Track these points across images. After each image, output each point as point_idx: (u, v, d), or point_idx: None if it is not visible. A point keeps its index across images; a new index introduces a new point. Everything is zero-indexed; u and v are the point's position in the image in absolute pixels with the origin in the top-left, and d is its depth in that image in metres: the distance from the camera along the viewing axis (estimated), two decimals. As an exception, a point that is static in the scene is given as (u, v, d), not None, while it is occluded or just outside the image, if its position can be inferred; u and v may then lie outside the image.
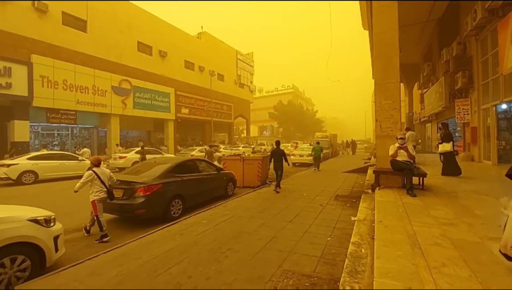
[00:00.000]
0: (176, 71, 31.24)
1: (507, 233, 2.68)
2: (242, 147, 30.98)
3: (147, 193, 6.27)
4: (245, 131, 51.79)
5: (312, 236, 5.01)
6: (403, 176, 6.92)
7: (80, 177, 5.91)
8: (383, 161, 7.55)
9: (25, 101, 18.50)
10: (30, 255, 3.76)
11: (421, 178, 6.83)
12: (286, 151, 10.44)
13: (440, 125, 9.59)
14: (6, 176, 12.00)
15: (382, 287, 2.48)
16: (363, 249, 3.76)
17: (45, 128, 22.04)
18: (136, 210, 6.14)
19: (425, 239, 3.50)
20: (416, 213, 4.72)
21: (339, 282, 3.03)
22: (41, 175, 12.93)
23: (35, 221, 3.89)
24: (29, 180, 12.53)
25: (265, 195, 9.01)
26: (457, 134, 16.62)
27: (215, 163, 12.23)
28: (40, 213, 4.15)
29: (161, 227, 5.69)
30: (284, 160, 9.97)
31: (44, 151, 15.89)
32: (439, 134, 9.66)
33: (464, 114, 13.41)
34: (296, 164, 20.14)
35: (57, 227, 4.24)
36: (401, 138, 6.95)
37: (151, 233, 5.34)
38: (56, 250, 4.08)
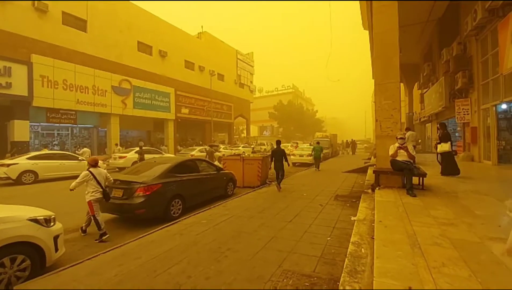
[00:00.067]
0: (176, 71, 31.24)
1: None
2: (242, 147, 31.00)
3: (147, 193, 6.27)
4: (245, 131, 51.78)
5: (312, 236, 5.01)
6: (403, 176, 6.92)
7: (80, 177, 5.91)
8: (383, 161, 7.55)
9: (25, 101, 18.49)
10: (30, 255, 3.76)
11: (421, 178, 6.83)
12: (286, 151, 10.44)
13: (438, 125, 9.60)
14: (6, 175, 12.00)
15: (382, 286, 2.48)
16: (363, 249, 3.76)
17: (45, 128, 22.04)
18: (136, 210, 6.14)
19: (425, 239, 3.50)
20: (416, 213, 4.72)
21: (339, 282, 3.03)
22: (41, 175, 12.94)
23: (35, 220, 3.90)
24: (29, 180, 12.53)
25: (265, 195, 9.01)
26: (457, 134, 16.63)
27: (216, 162, 12.24)
28: (40, 212, 4.15)
29: (161, 227, 5.69)
30: (284, 160, 10.01)
31: (45, 151, 15.91)
32: (438, 134, 9.67)
33: (464, 114, 13.41)
34: (296, 164, 20.14)
35: (57, 226, 4.24)
36: (401, 138, 6.95)
37: (151, 233, 5.34)
38: (56, 249, 4.08)
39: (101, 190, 5.65)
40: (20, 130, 18.66)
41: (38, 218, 3.96)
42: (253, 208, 7.23)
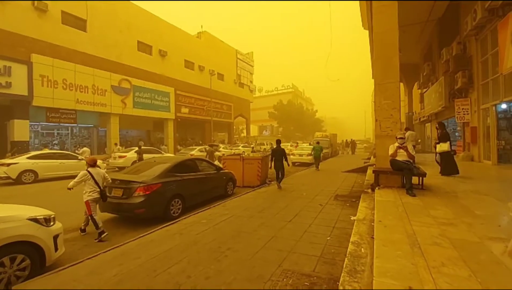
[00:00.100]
0: (176, 70, 31.22)
1: None
2: (242, 146, 30.99)
3: (147, 193, 6.27)
4: (245, 131, 51.80)
5: (312, 235, 5.01)
6: (403, 175, 6.92)
7: (79, 176, 5.92)
8: (382, 160, 7.55)
9: (25, 101, 18.48)
10: (30, 254, 3.76)
11: (420, 178, 6.82)
12: (286, 151, 10.49)
13: (437, 125, 9.60)
14: (6, 175, 12.00)
15: (381, 286, 2.48)
16: (362, 249, 3.76)
17: (45, 128, 22.03)
18: (136, 209, 6.14)
19: (424, 239, 3.50)
20: (415, 213, 4.72)
21: (339, 282, 3.03)
22: (40, 174, 12.93)
23: (35, 220, 3.90)
24: (29, 179, 12.52)
25: (265, 195, 9.01)
26: (456, 134, 16.63)
27: (216, 162, 12.24)
28: (40, 212, 4.15)
29: (161, 227, 5.69)
30: (284, 160, 10.08)
31: (46, 150, 15.93)
32: (437, 134, 9.67)
33: (464, 114, 13.41)
34: (296, 164, 20.13)
35: (57, 226, 4.24)
36: (400, 138, 6.95)
37: (151, 232, 5.34)
38: (56, 249, 4.09)
39: (99, 190, 5.67)
40: (20, 129, 18.65)
41: (38, 217, 3.96)
42: (253, 207, 7.23)
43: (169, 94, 29.85)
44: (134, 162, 15.55)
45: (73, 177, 5.69)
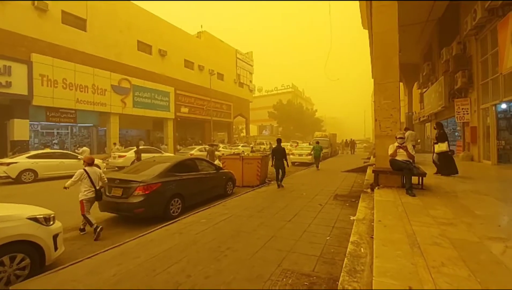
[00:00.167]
0: (175, 70, 31.21)
1: None
2: (242, 146, 30.98)
3: (146, 192, 6.27)
4: (244, 130, 51.78)
5: (311, 235, 5.01)
6: (403, 175, 6.92)
7: (79, 176, 5.93)
8: (382, 160, 7.55)
9: (24, 100, 18.47)
10: (30, 254, 3.76)
11: (420, 178, 6.82)
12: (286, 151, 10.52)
13: (434, 125, 9.61)
14: (5, 174, 12.00)
15: (381, 286, 2.48)
16: (362, 249, 3.76)
17: (44, 127, 22.01)
18: (135, 209, 6.13)
19: (424, 239, 3.50)
20: (415, 213, 4.72)
21: (338, 281, 3.03)
22: (40, 173, 12.94)
23: (34, 219, 3.90)
24: (29, 179, 12.53)
25: (264, 195, 9.01)
26: (456, 133, 16.64)
27: (216, 161, 12.24)
28: (40, 211, 4.15)
29: (160, 226, 5.69)
30: (284, 160, 10.12)
31: (48, 150, 15.95)
32: (435, 134, 9.69)
33: (464, 114, 13.41)
34: (296, 163, 20.13)
35: (57, 225, 4.24)
36: (400, 138, 6.95)
37: (150, 232, 5.34)
38: (56, 248, 4.09)
39: (94, 189, 5.71)
40: (20, 129, 18.63)
41: (37, 217, 3.96)
42: (253, 207, 7.24)
43: (168, 94, 29.83)
44: (134, 161, 15.54)
45: (73, 176, 5.71)
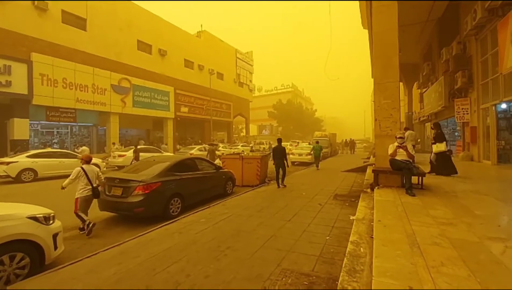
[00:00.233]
0: (175, 69, 31.20)
1: None
2: (241, 146, 30.98)
3: (146, 192, 6.27)
4: (244, 130, 51.79)
5: (311, 235, 5.01)
6: (402, 175, 6.92)
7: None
8: (382, 160, 7.55)
9: (25, 99, 18.47)
10: (29, 253, 3.76)
11: (420, 178, 6.82)
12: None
13: (432, 126, 9.62)
14: (5, 173, 12.00)
15: (380, 286, 2.48)
16: (362, 248, 3.76)
17: (44, 126, 22.00)
18: (135, 208, 6.14)
19: (424, 239, 3.49)
20: (415, 213, 4.72)
21: (338, 281, 3.03)
22: (40, 173, 12.95)
23: (34, 218, 3.90)
24: (29, 178, 12.54)
25: (264, 194, 9.01)
26: (456, 133, 16.64)
27: (217, 161, 12.25)
28: (40, 210, 4.15)
29: (160, 226, 5.69)
30: (284, 160, 10.16)
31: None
32: (433, 134, 9.71)
33: (464, 114, 13.41)
34: (295, 163, 20.13)
35: (56, 224, 4.24)
36: (400, 138, 6.95)
37: (150, 231, 5.34)
38: (55, 247, 4.09)
39: (91, 187, 5.75)
40: (20, 128, 18.63)
41: (37, 216, 3.96)
42: (252, 207, 7.24)
43: (168, 93, 29.83)
44: (133, 161, 15.55)
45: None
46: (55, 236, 4.10)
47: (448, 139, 17.39)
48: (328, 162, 21.31)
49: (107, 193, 6.56)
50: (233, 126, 47.68)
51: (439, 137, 8.90)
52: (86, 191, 5.71)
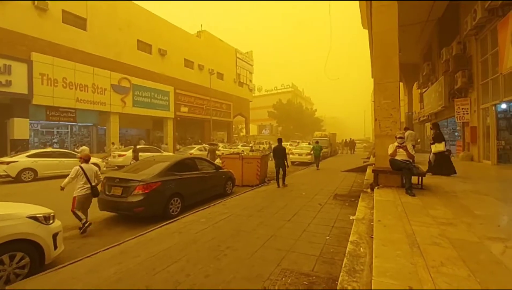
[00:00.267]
0: (175, 69, 31.19)
1: None
2: (241, 145, 30.97)
3: (146, 191, 6.28)
4: (244, 130, 51.78)
5: (311, 235, 5.01)
6: (402, 175, 6.92)
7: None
8: (382, 160, 7.55)
9: (24, 99, 18.45)
10: (29, 252, 3.76)
11: (420, 178, 6.82)
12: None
13: (431, 126, 9.64)
14: (5, 173, 12.01)
15: (380, 286, 2.48)
16: (361, 248, 3.76)
17: (44, 126, 21.98)
18: (135, 208, 6.14)
19: (424, 239, 3.50)
20: (415, 213, 4.72)
21: (338, 281, 3.03)
22: (40, 172, 12.95)
23: (34, 218, 3.90)
24: (29, 178, 12.54)
25: (264, 194, 9.01)
26: (456, 133, 16.64)
27: (218, 160, 12.25)
28: (39, 210, 4.15)
29: (160, 225, 5.69)
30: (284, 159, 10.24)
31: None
32: (431, 135, 9.75)
33: (464, 114, 13.41)
34: (295, 163, 20.13)
35: (56, 224, 4.24)
36: (400, 137, 6.95)
37: (150, 231, 5.34)
38: (55, 247, 4.09)
39: (89, 186, 5.79)
40: (20, 128, 18.62)
41: (37, 215, 3.96)
42: (252, 207, 7.24)
43: (168, 93, 29.82)
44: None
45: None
46: (55, 235, 4.10)
47: (448, 139, 17.47)
48: (328, 162, 21.32)
49: (107, 192, 6.57)
50: (233, 126, 47.67)
51: (438, 137, 8.93)
52: (84, 190, 5.75)
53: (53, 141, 22.53)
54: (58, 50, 20.31)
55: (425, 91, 22.02)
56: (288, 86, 78.94)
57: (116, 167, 16.60)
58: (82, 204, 5.74)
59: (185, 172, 7.67)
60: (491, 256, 3.00)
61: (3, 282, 3.49)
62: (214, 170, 9.06)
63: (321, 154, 17.12)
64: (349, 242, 4.03)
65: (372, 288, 2.48)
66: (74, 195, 5.70)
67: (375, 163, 8.44)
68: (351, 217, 5.79)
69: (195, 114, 34.00)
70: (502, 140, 11.20)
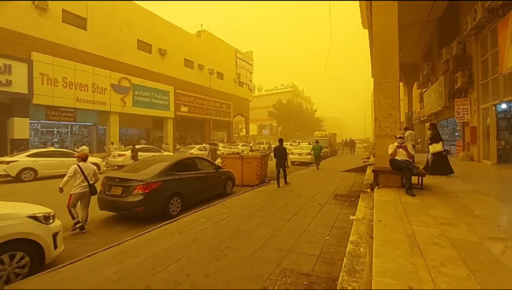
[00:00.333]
0: (175, 69, 31.19)
1: None
2: (241, 145, 30.97)
3: (146, 191, 6.28)
4: (244, 130, 51.78)
5: (311, 235, 5.01)
6: (402, 175, 6.92)
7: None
8: (382, 160, 7.55)
9: (25, 99, 18.45)
10: (29, 252, 3.76)
11: (420, 178, 6.82)
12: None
13: (429, 126, 9.68)
14: (5, 173, 12.00)
15: (380, 286, 2.48)
16: (361, 248, 3.76)
17: (44, 126, 21.98)
18: (135, 207, 6.14)
19: (424, 239, 3.49)
20: (415, 213, 4.72)
21: (338, 281, 3.03)
22: (40, 172, 12.95)
23: (34, 218, 3.90)
24: (29, 177, 12.54)
25: (264, 194, 9.01)
26: (456, 133, 16.64)
27: (218, 160, 12.26)
28: (39, 210, 4.15)
29: (160, 225, 5.69)
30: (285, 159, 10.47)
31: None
32: (429, 135, 9.79)
33: (464, 114, 13.41)
34: (295, 163, 20.12)
35: (56, 224, 4.24)
36: (400, 137, 6.95)
37: (150, 231, 5.34)
38: (55, 247, 4.09)
39: (86, 184, 5.87)
40: (20, 127, 18.61)
41: (37, 215, 3.96)
42: (252, 206, 7.24)
43: (168, 93, 29.82)
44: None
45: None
46: (55, 235, 4.10)
47: (448, 139, 17.48)
48: (328, 162, 21.31)
49: (107, 192, 6.57)
50: (233, 126, 47.67)
51: (435, 138, 8.99)
52: (81, 188, 5.83)
53: (53, 140, 22.53)
54: (58, 49, 20.31)
55: (425, 91, 22.03)
56: (288, 86, 78.94)
57: (116, 167, 16.59)
58: (77, 202, 5.84)
59: (185, 172, 7.67)
60: (491, 256, 3.00)
61: (3, 281, 3.49)
62: (214, 170, 9.06)
63: (321, 154, 17.14)
64: (349, 242, 4.03)
65: (372, 288, 2.48)
66: (70, 193, 5.80)
67: (375, 163, 8.44)
68: (351, 217, 5.79)
69: (195, 114, 34.00)
70: (502, 140, 11.21)
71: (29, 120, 19.34)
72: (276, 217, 6.20)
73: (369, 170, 11.37)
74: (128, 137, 28.87)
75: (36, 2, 18.82)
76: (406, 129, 13.10)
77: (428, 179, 7.42)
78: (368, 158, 21.24)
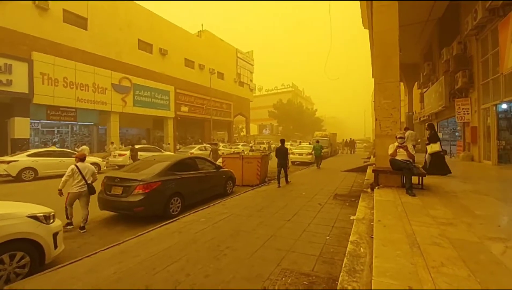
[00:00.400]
0: (176, 69, 31.21)
1: None
2: (242, 145, 30.97)
3: (146, 191, 6.28)
4: (244, 130, 51.79)
5: (311, 235, 5.01)
6: (403, 175, 6.92)
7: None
8: (382, 160, 7.55)
9: (25, 98, 18.47)
10: (30, 252, 3.77)
11: (420, 178, 6.82)
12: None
13: (426, 127, 9.71)
14: (6, 172, 12.01)
15: (380, 286, 2.48)
16: (361, 248, 3.76)
17: (45, 125, 21.99)
18: (135, 207, 6.14)
19: (424, 239, 3.49)
20: (415, 213, 4.72)
21: (338, 281, 3.03)
22: (40, 172, 12.96)
23: (34, 217, 3.90)
24: (29, 177, 12.55)
25: (264, 194, 9.01)
26: (457, 133, 16.63)
27: (220, 160, 12.27)
28: (40, 210, 4.15)
29: (160, 225, 5.69)
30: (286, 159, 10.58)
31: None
32: (427, 135, 9.82)
33: (464, 114, 13.40)
34: (296, 163, 20.11)
35: (57, 224, 4.25)
36: (400, 137, 6.94)
37: (150, 230, 5.34)
38: (55, 246, 4.09)
39: (84, 183, 5.94)
40: (21, 127, 18.64)
41: (37, 215, 3.96)
42: (252, 206, 7.24)
43: (169, 93, 29.84)
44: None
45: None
46: (55, 235, 4.10)
47: (449, 139, 17.47)
48: (328, 162, 21.30)
49: (107, 192, 6.57)
50: (234, 126, 47.69)
51: (433, 138, 9.05)
52: (78, 188, 5.90)
53: (54, 140, 22.53)
54: (58, 49, 20.33)
55: (426, 91, 22.01)
56: (288, 86, 78.97)
57: (116, 167, 16.60)
58: (74, 200, 5.94)
59: (186, 171, 7.67)
60: (491, 256, 3.00)
61: (3, 281, 3.49)
62: (215, 170, 9.06)
63: (322, 153, 17.16)
64: (349, 242, 4.03)
65: (372, 288, 2.48)
66: (68, 192, 5.89)
67: (375, 163, 8.45)
68: (351, 217, 5.79)
69: (196, 114, 34.01)
70: (503, 140, 11.20)
71: (30, 119, 19.37)
72: (276, 217, 6.20)
73: (369, 170, 11.36)
74: (129, 137, 28.89)
75: (36, 2, 18.85)
76: (406, 129, 13.10)
77: (428, 179, 7.41)
78: (369, 158, 21.23)
